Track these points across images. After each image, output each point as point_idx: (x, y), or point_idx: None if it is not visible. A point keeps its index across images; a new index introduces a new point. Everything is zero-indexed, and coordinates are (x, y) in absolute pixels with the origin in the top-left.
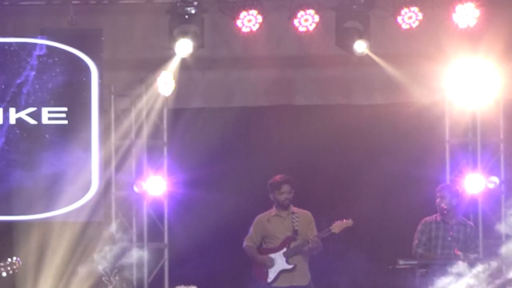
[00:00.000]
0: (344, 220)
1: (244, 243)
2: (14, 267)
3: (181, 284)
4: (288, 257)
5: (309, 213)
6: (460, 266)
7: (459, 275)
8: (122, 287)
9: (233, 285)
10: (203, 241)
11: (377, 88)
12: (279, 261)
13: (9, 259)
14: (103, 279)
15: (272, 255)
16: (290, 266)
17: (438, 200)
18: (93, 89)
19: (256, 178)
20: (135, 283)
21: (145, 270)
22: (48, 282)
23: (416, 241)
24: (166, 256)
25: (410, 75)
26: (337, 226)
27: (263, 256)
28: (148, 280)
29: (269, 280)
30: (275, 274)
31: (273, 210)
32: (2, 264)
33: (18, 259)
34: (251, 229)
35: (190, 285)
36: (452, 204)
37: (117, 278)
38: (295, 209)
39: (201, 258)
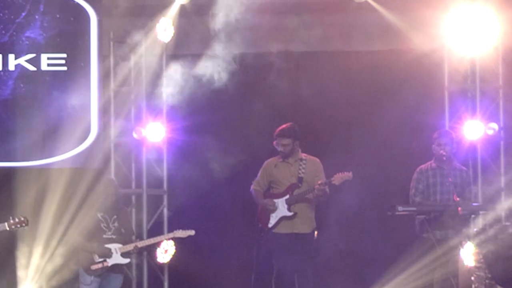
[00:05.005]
0: (345, 173)
1: (252, 187)
2: (24, 224)
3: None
4: (290, 204)
5: (317, 160)
6: (459, 212)
7: (459, 221)
8: (121, 233)
9: (232, 231)
10: (202, 187)
11: (377, 35)
12: (281, 207)
13: (17, 218)
14: (102, 225)
15: (275, 200)
16: (290, 214)
17: (436, 146)
18: (92, 36)
19: (254, 125)
20: (134, 229)
21: (144, 217)
22: (47, 228)
23: (413, 190)
24: (165, 202)
25: (410, 21)
26: (338, 178)
27: (266, 199)
28: (147, 226)
29: (269, 225)
30: (276, 220)
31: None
32: (12, 221)
33: (26, 218)
34: (259, 173)
35: (188, 229)
36: (452, 151)
37: (116, 224)
38: (303, 155)
39: (200, 204)
